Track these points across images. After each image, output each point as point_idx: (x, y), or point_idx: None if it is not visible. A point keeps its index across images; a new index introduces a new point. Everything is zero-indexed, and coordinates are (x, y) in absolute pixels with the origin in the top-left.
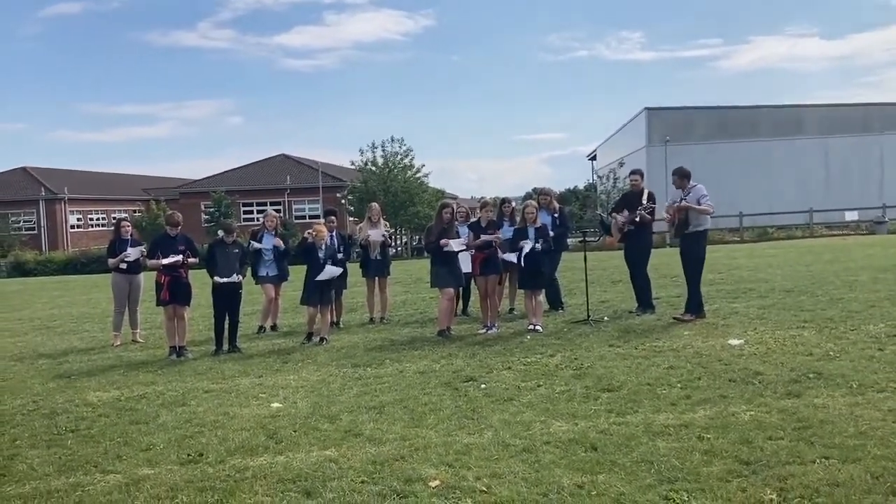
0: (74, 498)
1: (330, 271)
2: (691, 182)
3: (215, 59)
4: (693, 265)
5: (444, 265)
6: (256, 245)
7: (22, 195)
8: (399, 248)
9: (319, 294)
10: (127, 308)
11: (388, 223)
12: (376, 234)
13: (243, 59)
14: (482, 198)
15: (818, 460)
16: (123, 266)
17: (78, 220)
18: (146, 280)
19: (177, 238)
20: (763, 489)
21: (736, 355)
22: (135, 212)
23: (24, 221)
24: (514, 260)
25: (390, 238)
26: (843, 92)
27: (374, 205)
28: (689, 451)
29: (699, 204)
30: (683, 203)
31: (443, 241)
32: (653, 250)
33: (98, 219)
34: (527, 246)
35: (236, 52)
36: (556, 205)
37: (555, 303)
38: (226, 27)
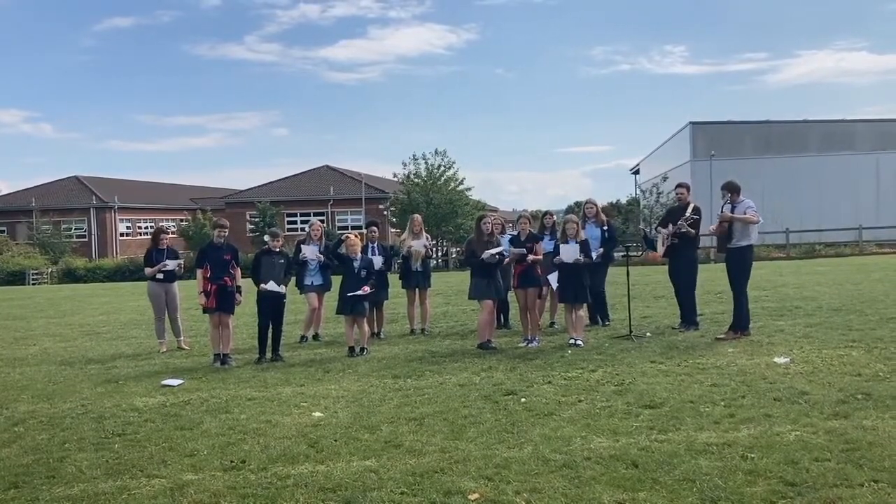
0: (121, 501)
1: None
2: (741, 197)
3: (261, 72)
4: (738, 281)
5: (483, 277)
6: (309, 257)
7: (74, 203)
8: (439, 261)
9: (351, 305)
10: (167, 315)
11: (429, 235)
12: (418, 244)
13: (289, 72)
14: (523, 210)
15: (867, 483)
16: (160, 276)
17: (127, 228)
18: (183, 289)
19: (223, 247)
20: None
21: (781, 374)
22: (182, 221)
23: (76, 229)
24: (555, 283)
25: (431, 250)
26: (893, 106)
27: (416, 216)
28: (733, 471)
29: (744, 214)
30: (724, 213)
31: (486, 257)
32: (698, 266)
33: (146, 227)
34: (569, 252)
35: (282, 65)
36: (604, 217)
37: (601, 317)
38: (272, 41)
